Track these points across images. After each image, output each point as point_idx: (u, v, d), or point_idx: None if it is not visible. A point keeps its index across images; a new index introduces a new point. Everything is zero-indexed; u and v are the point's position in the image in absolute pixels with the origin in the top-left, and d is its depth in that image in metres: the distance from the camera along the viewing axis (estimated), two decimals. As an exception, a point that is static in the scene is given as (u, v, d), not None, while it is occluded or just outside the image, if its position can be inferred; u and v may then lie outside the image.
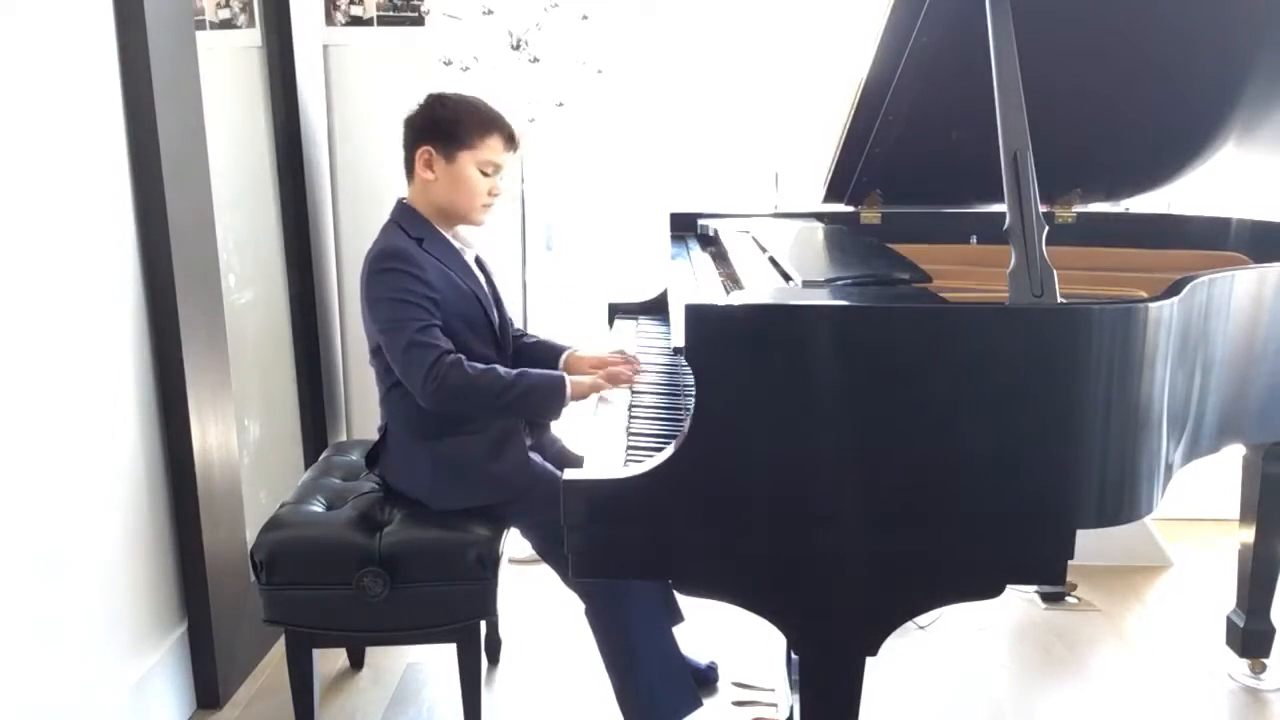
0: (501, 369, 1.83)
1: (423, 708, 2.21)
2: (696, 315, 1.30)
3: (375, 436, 2.03)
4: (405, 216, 1.93)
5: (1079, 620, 2.59)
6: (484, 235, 2.10)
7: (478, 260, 2.03)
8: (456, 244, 1.97)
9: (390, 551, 1.81)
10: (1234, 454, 2.12)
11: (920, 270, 1.69)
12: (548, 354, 2.08)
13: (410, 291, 1.81)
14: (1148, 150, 2.25)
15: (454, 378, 1.77)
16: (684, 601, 2.25)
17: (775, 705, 2.17)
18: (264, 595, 1.85)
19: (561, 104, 2.77)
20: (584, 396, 1.83)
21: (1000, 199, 1.38)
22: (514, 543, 2.32)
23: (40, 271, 1.70)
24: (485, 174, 1.92)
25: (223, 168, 2.35)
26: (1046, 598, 2.67)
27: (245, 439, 2.54)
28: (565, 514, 1.33)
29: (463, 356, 1.81)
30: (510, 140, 1.94)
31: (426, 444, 1.90)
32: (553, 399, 1.83)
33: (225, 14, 2.53)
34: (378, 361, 1.91)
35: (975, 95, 1.51)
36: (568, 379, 1.84)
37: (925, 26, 1.91)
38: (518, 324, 2.26)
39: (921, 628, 2.53)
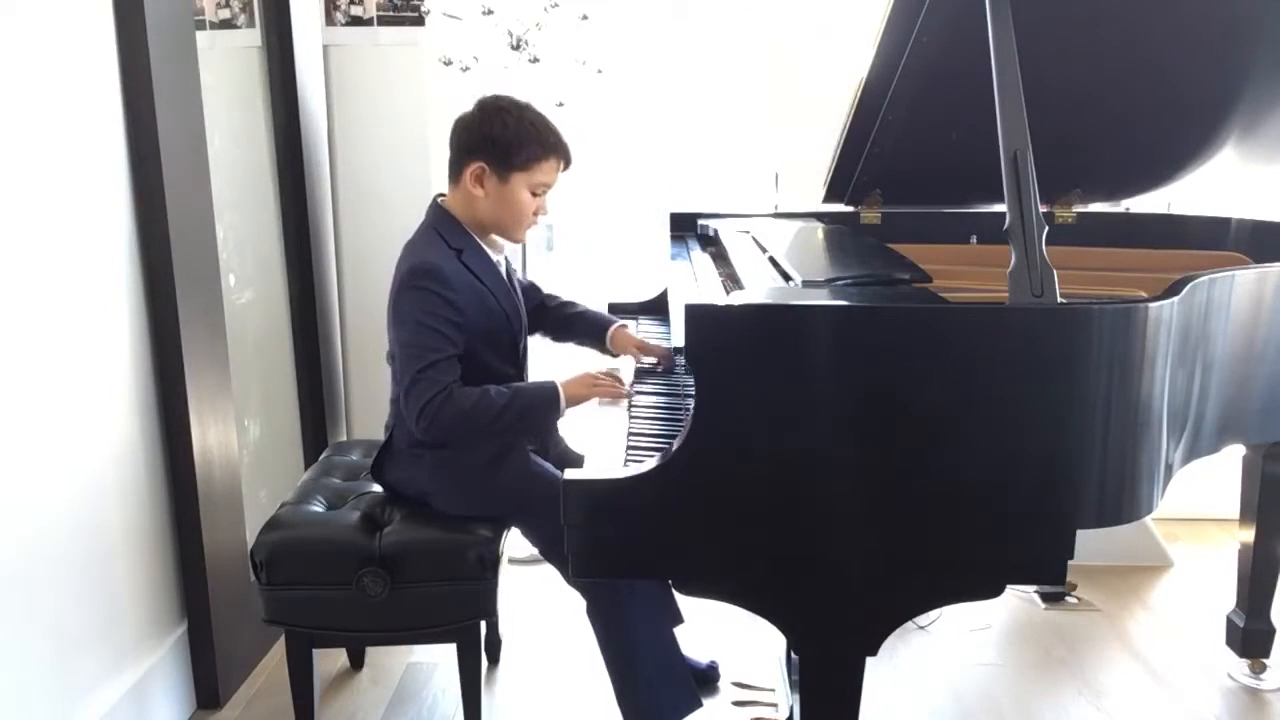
0: (495, 390, 1.80)
1: (423, 708, 2.21)
2: (696, 315, 1.30)
3: (375, 436, 2.03)
4: (446, 225, 1.89)
5: (1079, 620, 2.59)
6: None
7: (506, 265, 2.01)
8: (492, 253, 1.94)
9: (390, 551, 1.81)
10: (1234, 454, 2.12)
11: (920, 270, 1.68)
12: (594, 328, 2.14)
13: (436, 316, 1.78)
14: (1148, 150, 2.25)
15: (446, 413, 1.76)
16: (684, 601, 2.25)
17: (775, 705, 2.17)
18: (264, 595, 1.84)
19: (561, 104, 2.76)
20: (581, 403, 1.85)
21: (1000, 199, 1.38)
22: (514, 543, 2.32)
23: (40, 272, 1.70)
24: (535, 194, 1.89)
25: (223, 168, 2.35)
26: (1046, 598, 2.67)
27: (245, 439, 2.54)
28: (565, 514, 1.34)
29: (456, 386, 1.78)
30: (567, 162, 1.91)
31: (430, 451, 1.90)
32: (548, 412, 1.84)
33: (225, 14, 2.53)
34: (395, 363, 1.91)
35: (975, 95, 1.50)
36: (561, 389, 1.83)
37: (925, 26, 1.92)
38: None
39: (921, 628, 2.53)
